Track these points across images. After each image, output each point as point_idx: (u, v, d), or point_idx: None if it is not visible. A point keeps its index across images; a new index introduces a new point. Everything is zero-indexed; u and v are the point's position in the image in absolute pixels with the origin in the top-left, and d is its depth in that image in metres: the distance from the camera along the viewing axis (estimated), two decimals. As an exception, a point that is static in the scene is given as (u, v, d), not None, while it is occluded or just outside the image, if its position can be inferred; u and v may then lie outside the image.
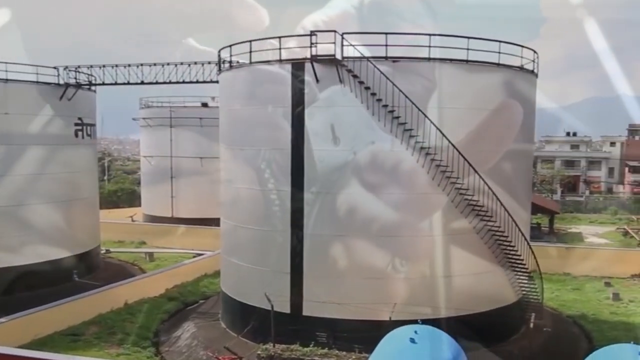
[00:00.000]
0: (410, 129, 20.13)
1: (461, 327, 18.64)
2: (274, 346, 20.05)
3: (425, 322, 15.75)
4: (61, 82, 30.95)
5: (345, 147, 20.46)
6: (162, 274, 31.19)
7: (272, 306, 20.44)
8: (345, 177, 20.57)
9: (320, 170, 20.77)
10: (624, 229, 57.79)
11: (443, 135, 20.12)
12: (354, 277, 20.78)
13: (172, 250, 39.30)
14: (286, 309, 21.26)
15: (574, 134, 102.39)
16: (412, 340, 14.27)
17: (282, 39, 21.04)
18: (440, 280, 21.00)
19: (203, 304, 28.28)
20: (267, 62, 21.66)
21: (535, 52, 23.88)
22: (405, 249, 20.74)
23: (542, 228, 52.45)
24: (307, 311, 21.11)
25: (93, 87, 33.09)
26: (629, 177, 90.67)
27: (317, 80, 20.37)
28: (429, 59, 20.58)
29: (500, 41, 21.61)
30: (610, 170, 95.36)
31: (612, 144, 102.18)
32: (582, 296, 31.37)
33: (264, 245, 22.32)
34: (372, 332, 16.47)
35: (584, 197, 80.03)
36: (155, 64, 31.05)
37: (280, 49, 20.75)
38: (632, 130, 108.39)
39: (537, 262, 23.36)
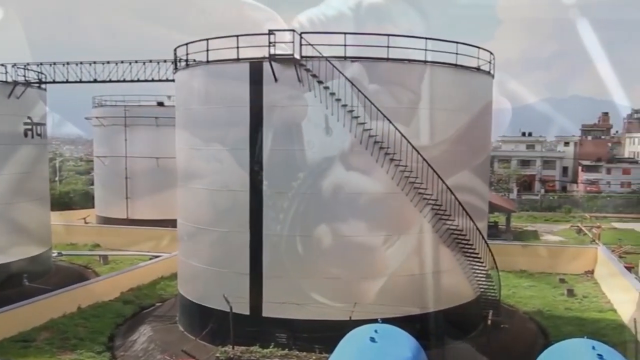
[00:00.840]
0: (370, 129, 20.32)
1: (421, 325, 18.94)
2: (233, 348, 19.96)
3: (385, 321, 15.92)
4: (9, 79, 30.06)
5: (304, 147, 20.52)
6: (117, 277, 30.66)
7: (230, 308, 20.34)
8: (304, 177, 20.63)
9: (280, 170, 20.78)
10: (578, 226, 59.57)
11: (402, 135, 20.37)
12: (313, 277, 20.87)
13: (128, 252, 38.64)
14: (245, 310, 21.19)
15: (529, 134, 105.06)
16: (372, 340, 14.41)
17: (247, 37, 20.92)
18: (399, 279, 21.29)
19: (160, 307, 27.93)
20: (224, 61, 21.53)
21: (491, 53, 24.42)
22: (364, 249, 20.93)
23: (500, 226, 53.58)
24: (266, 312, 21.08)
25: (43, 85, 32.25)
26: (582, 176, 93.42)
27: (276, 80, 20.36)
28: (387, 59, 20.81)
29: (457, 42, 22.05)
30: (565, 170, 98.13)
31: (566, 143, 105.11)
32: (538, 293, 32.21)
33: (222, 247, 22.18)
34: (332, 332, 16.57)
35: (540, 195, 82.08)
36: (108, 62, 30.52)
37: (237, 47, 20.62)
38: (585, 130, 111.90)
39: (494, 260, 23.89)
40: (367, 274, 20.99)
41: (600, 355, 13.33)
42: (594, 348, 13.69)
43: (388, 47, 20.66)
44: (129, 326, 25.20)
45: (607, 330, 25.21)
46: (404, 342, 15.21)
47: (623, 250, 46.74)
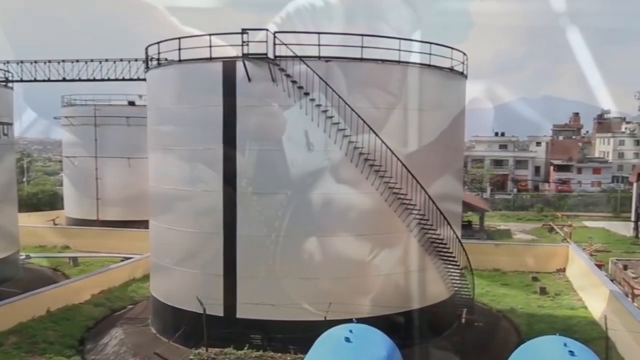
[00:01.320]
0: (344, 129, 20.39)
1: (396, 324, 19.08)
2: (206, 350, 19.83)
3: (360, 320, 16.00)
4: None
5: (277, 147, 20.51)
6: (88, 279, 30.24)
7: (204, 309, 20.22)
8: (278, 177, 20.62)
9: (254, 170, 20.74)
10: (550, 225, 60.64)
11: (376, 135, 20.48)
12: (288, 277, 20.85)
13: (98, 254, 38.16)
14: (219, 311, 21.08)
15: (502, 134, 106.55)
16: (347, 340, 14.45)
17: (219, 36, 20.87)
18: (375, 278, 21.42)
19: (132, 309, 27.61)
20: (197, 60, 21.41)
21: (464, 54, 24.69)
22: (339, 249, 21.00)
23: (473, 226, 54.20)
24: (241, 313, 21.01)
25: (10, 84, 31.66)
26: (554, 175, 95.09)
27: (249, 79, 20.31)
28: (361, 59, 20.90)
29: (431, 43, 22.27)
30: (537, 169, 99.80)
31: (538, 143, 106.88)
32: (511, 291, 32.69)
33: (195, 247, 22.04)
34: (307, 333, 16.56)
35: (512, 195, 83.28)
36: (78, 60, 30.10)
37: (210, 46, 20.53)
38: (556, 131, 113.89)
39: (468, 258, 24.16)
40: (342, 274, 21.03)
41: (571, 352, 13.58)
42: (565, 345, 13.95)
43: (362, 47, 20.72)
44: (100, 329, 24.90)
45: (578, 327, 25.69)
46: (379, 342, 15.29)
47: (594, 248, 47.72)
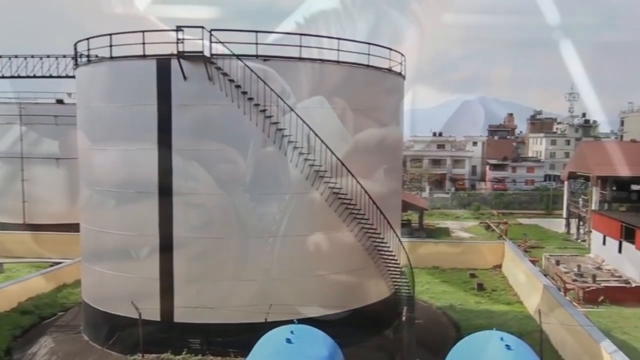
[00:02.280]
0: (283, 129, 20.40)
1: (337, 323, 19.22)
2: (142, 356, 19.47)
3: (301, 321, 16.05)
4: None
5: (215, 147, 20.31)
6: (13, 286, 29.00)
7: (139, 314, 19.80)
8: (216, 178, 20.41)
9: (190, 171, 20.44)
10: (486, 223, 62.58)
11: (316, 135, 20.58)
12: (227, 279, 20.68)
13: (25, 260, 36.75)
14: (156, 316, 20.68)
15: (440, 134, 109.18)
16: (288, 341, 14.48)
17: (152, 33, 20.41)
18: (315, 279, 21.53)
19: (62, 317, 26.75)
20: (129, 57, 20.89)
21: (402, 55, 25.13)
22: (279, 249, 20.97)
23: (413, 224, 55.30)
24: (178, 318, 20.68)
25: None
26: (490, 174, 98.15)
27: (185, 78, 20.01)
28: (299, 58, 20.96)
29: (369, 43, 22.53)
30: (473, 168, 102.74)
31: (474, 143, 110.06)
32: (450, 288, 33.59)
33: (130, 251, 21.51)
34: (247, 335, 16.50)
35: (450, 194, 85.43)
36: (1, 56, 28.87)
37: (143, 43, 20.08)
38: (492, 131, 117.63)
39: (408, 257, 24.61)
40: (282, 274, 21.03)
41: (508, 346, 14.13)
42: (502, 339, 14.49)
43: (301, 46, 20.80)
44: (28, 338, 24.00)
45: (514, 322, 26.66)
46: (321, 342, 15.40)
47: (528, 245, 49.65)
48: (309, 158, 20.74)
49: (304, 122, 20.43)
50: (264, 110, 20.19)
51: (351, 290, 22.27)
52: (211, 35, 19.68)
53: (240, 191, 20.56)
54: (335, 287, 21.89)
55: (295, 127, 20.48)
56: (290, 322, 15.81)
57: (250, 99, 20.09)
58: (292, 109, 20.30)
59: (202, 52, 19.55)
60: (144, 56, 20.42)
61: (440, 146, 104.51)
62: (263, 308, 19.34)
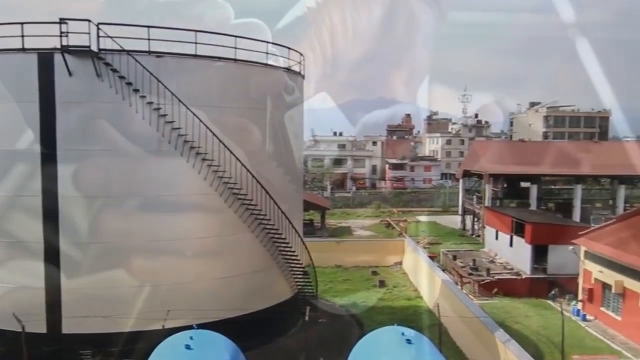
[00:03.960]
0: (179, 127, 19.80)
1: (239, 326, 18.89)
2: (29, 374, 18.19)
3: (201, 326, 15.64)
4: None
5: (104, 147, 19.35)
6: None
7: (22, 327, 18.44)
8: (104, 179, 19.49)
9: (77, 172, 19.29)
10: (387, 221, 64.14)
11: (213, 133, 20.14)
12: (120, 286, 19.75)
13: None
14: (42, 328, 19.40)
15: (341, 134, 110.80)
16: (188, 347, 14.07)
17: (30, 25, 19.06)
18: (214, 282, 21.03)
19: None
20: (8, 50, 19.43)
21: (301, 54, 25.18)
22: (175, 253, 20.32)
23: (315, 224, 55.71)
24: (67, 328, 19.53)
25: None
26: (389, 173, 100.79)
27: (70, 74, 18.92)
28: (195, 55, 20.45)
29: (267, 42, 22.41)
30: (373, 168, 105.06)
31: (374, 143, 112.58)
32: (353, 286, 34.13)
33: (11, 259, 20.00)
34: (144, 343, 15.87)
35: (351, 193, 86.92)
36: None
37: (22, 36, 18.73)
38: (390, 131, 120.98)
39: (310, 256, 24.72)
40: (179, 278, 20.37)
41: (408, 340, 14.46)
42: (403, 334, 14.83)
43: (196, 43, 20.31)
44: None
45: (415, 316, 27.48)
46: (222, 346, 15.09)
47: (427, 241, 51.37)
48: (207, 158, 20.26)
49: (200, 121, 19.92)
50: (157, 109, 19.50)
51: (253, 291, 21.98)
52: (99, 29, 18.75)
53: (133, 193, 19.73)
54: (237, 290, 21.52)
55: (191, 127, 19.92)
56: (190, 327, 15.35)
57: (143, 96, 19.34)
58: (187, 108, 19.74)
59: (88, 46, 18.56)
60: (24, 49, 19.05)
61: (341, 146, 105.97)
62: (160, 314, 18.63)
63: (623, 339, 26.79)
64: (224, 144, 20.37)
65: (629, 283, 27.22)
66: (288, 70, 24.22)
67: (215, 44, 20.81)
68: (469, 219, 61.20)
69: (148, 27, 19.63)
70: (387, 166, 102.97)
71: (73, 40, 18.63)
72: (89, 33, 18.46)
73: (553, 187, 70.17)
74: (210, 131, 20.12)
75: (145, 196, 19.89)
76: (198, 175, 20.41)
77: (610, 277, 28.54)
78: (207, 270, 20.99)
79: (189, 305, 19.58)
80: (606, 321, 28.89)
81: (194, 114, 19.85)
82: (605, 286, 29.22)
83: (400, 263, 40.74)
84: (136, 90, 19.31)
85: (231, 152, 20.53)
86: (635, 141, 73.64)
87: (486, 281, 35.03)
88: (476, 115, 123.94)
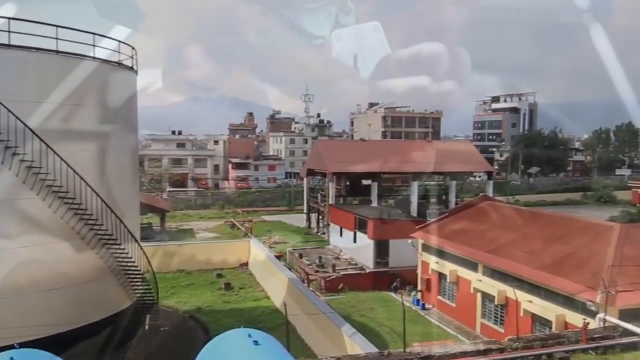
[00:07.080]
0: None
1: (69, 342, 17.68)
2: None
3: (24, 345, 14.39)
4: None
5: None
6: None
7: None
8: None
9: None
10: (232, 222, 63.91)
11: (31, 130, 18.55)
12: None
13: None
14: None
15: (180, 133, 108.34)
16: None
17: None
18: (39, 295, 19.42)
19: None
20: None
21: (133, 48, 24.05)
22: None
23: (154, 227, 54.07)
24: None
25: None
26: (233, 173, 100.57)
27: None
28: (9, 46, 18.78)
29: (94, 34, 21.11)
30: (216, 168, 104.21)
31: (216, 142, 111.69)
32: (197, 290, 33.57)
33: None
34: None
35: (193, 194, 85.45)
36: None
37: None
38: (233, 130, 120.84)
39: (150, 262, 23.79)
40: (1, 294, 18.58)
41: (256, 342, 14.41)
42: (250, 336, 14.75)
43: (9, 32, 18.66)
44: None
45: (263, 317, 27.65)
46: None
47: (273, 241, 52.00)
48: (26, 159, 18.65)
49: (17, 118, 18.28)
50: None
51: (85, 303, 20.60)
52: None
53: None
54: (66, 302, 20.01)
55: (7, 124, 18.22)
56: (11, 347, 14.07)
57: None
58: (1, 103, 18.04)
59: None
60: None
61: (181, 145, 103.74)
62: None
63: (458, 325, 29.11)
64: (42, 140, 18.70)
65: (462, 272, 29.58)
66: (119, 64, 23.04)
67: (35, 34, 19.25)
68: (314, 217, 62.90)
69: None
70: (230, 166, 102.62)
71: None
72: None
73: (392, 184, 74.41)
74: (26, 126, 18.45)
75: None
76: (17, 178, 18.65)
77: (446, 267, 30.80)
78: (29, 284, 19.27)
79: (10, 324, 17.92)
80: (443, 309, 31.16)
81: (9, 110, 18.12)
82: (442, 276, 31.50)
83: (247, 264, 40.77)
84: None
85: (53, 151, 18.95)
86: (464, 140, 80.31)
87: (332, 278, 36.18)
88: (319, 115, 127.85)
